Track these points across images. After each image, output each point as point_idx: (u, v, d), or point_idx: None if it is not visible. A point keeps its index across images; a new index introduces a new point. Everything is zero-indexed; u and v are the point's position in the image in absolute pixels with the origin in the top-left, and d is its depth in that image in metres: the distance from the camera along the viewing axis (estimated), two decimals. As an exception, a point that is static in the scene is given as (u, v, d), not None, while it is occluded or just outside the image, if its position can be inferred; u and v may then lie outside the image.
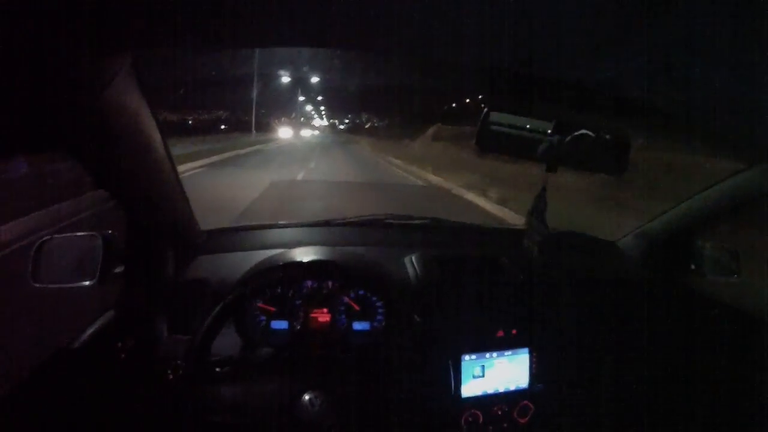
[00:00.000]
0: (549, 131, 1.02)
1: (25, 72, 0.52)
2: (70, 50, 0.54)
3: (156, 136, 0.86)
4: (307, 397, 1.00)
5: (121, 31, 0.54)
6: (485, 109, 1.02)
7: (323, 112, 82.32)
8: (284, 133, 34.49)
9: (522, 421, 1.18)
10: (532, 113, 1.04)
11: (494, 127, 1.02)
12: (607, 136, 1.01)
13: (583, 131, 1.00)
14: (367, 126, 59.24)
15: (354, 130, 58.67)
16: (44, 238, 1.03)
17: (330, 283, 1.22)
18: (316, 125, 76.24)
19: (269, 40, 0.68)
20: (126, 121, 0.75)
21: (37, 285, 1.00)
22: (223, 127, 33.13)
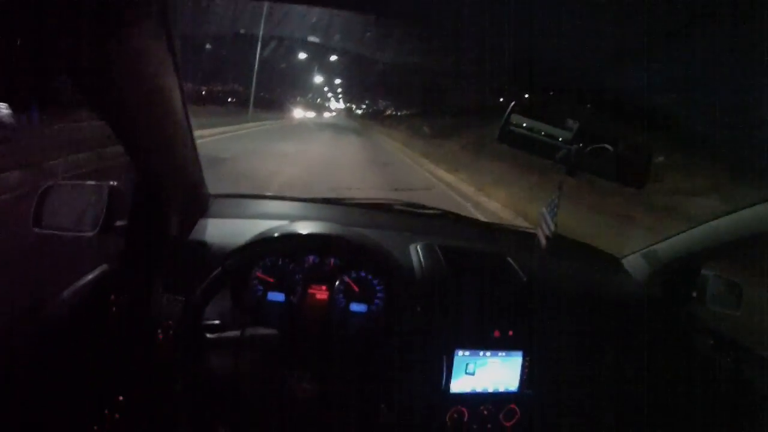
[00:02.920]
0: (569, 138, 1.08)
1: (52, 4, 0.52)
2: None
3: (177, 92, 0.88)
4: (295, 376, 1.04)
5: None
6: (512, 104, 1.06)
7: (340, 96, 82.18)
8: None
9: (507, 424, 1.20)
10: (555, 119, 1.10)
11: (515, 127, 1.07)
12: (626, 151, 1.06)
13: (603, 145, 1.05)
14: (387, 113, 58.76)
15: (373, 116, 57.54)
16: (49, 184, 1.06)
17: (332, 261, 1.24)
18: (332, 108, 76.19)
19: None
20: (149, 69, 0.76)
21: (37, 230, 1.02)
22: (230, 99, 31.91)
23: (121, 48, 0.66)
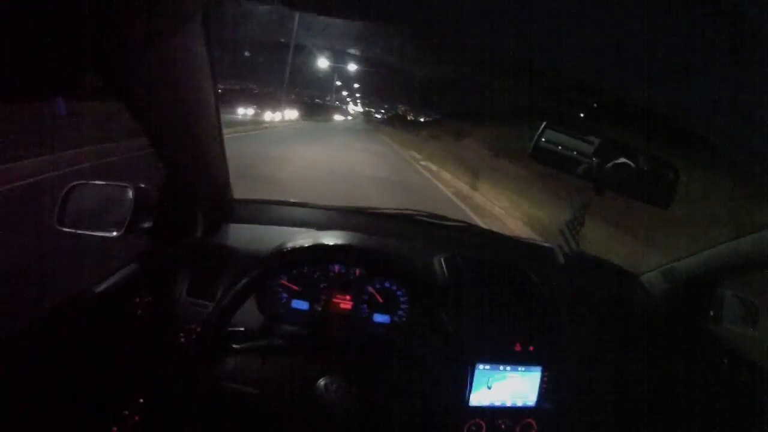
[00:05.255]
0: (591, 152, 1.11)
1: (98, 10, 0.54)
2: None
3: (211, 96, 0.91)
4: (323, 382, 1.06)
5: None
6: (543, 124, 1.10)
7: (358, 98, 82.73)
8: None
9: None
10: (586, 133, 1.12)
11: (547, 144, 1.11)
12: (646, 168, 1.08)
13: (623, 160, 1.08)
14: (409, 118, 58.25)
15: (393, 122, 55.88)
16: (74, 183, 1.08)
17: (357, 271, 1.27)
18: (351, 111, 76.59)
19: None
20: (186, 71, 0.79)
21: (61, 229, 1.05)
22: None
23: (161, 50, 0.69)
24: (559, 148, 1.09)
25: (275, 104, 29.26)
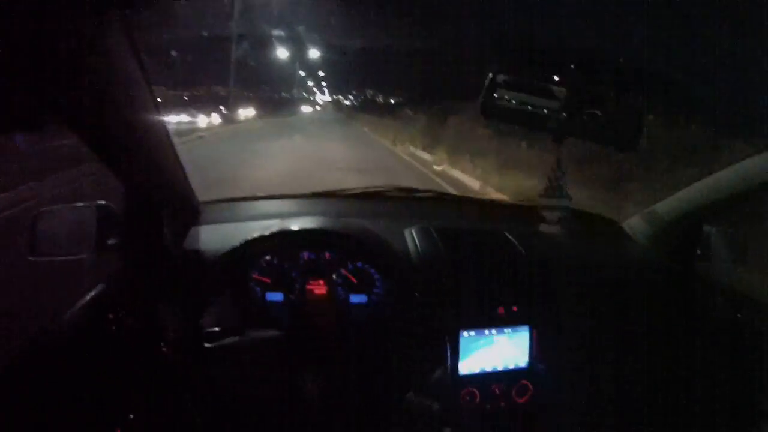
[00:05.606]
0: (558, 103, 1.06)
1: (13, 30, 0.54)
2: (57, 6, 0.57)
3: (149, 103, 0.90)
4: (304, 375, 1.08)
5: None
6: (490, 75, 1.04)
7: (324, 88, 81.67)
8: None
9: (520, 400, 1.23)
10: (542, 83, 1.08)
11: (501, 95, 1.05)
12: (617, 113, 1.06)
13: (593, 111, 1.05)
14: (380, 101, 57.03)
15: (365, 107, 53.34)
16: (39, 210, 1.08)
17: (327, 255, 1.26)
18: (319, 101, 75.57)
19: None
20: (117, 84, 0.78)
21: (33, 258, 1.05)
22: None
23: (84, 65, 0.69)
24: (515, 102, 1.05)
25: (217, 106, 25.60)
